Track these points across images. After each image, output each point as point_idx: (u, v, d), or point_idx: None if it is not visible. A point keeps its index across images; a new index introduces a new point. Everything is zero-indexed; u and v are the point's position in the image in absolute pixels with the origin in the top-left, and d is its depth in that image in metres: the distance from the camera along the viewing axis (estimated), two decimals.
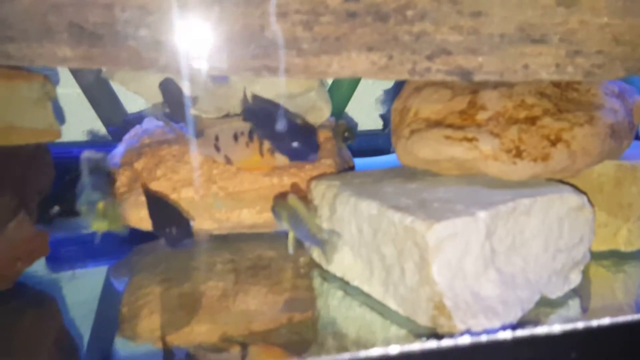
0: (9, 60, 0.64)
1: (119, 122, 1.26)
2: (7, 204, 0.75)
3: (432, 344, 0.54)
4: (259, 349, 0.69)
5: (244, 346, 0.68)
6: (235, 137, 0.89)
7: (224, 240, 1.00)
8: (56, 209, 0.98)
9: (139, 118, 1.28)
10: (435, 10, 0.61)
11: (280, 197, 0.87)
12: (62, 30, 0.63)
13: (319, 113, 1.03)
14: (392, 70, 0.64)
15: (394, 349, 0.52)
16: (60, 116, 0.85)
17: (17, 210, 0.77)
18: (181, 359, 0.68)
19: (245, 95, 0.91)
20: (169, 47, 0.65)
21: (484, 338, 0.56)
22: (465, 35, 0.62)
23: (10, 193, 0.75)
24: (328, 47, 0.64)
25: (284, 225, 0.81)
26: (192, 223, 0.85)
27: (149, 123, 1.11)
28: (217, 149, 0.88)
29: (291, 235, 0.81)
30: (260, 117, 0.86)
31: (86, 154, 0.86)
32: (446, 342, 0.54)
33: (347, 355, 0.53)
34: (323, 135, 1.02)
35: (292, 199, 0.78)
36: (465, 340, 0.55)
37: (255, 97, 0.90)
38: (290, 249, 0.82)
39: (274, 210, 0.83)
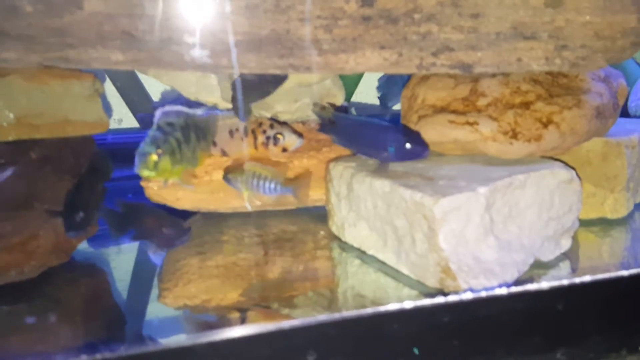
0: (68, 64, 0.74)
1: (147, 110, 1.36)
2: (66, 186, 0.85)
3: (441, 299, 0.64)
4: (257, 312, 0.77)
5: (242, 311, 0.76)
6: (231, 134, 0.98)
7: (249, 217, 1.11)
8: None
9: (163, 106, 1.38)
10: (439, 13, 0.70)
11: (231, 168, 0.98)
12: (115, 38, 0.72)
13: (334, 99, 1.12)
14: (402, 65, 0.74)
15: (409, 304, 0.63)
16: (107, 109, 0.94)
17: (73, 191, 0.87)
18: (210, 321, 0.76)
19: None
20: (206, 50, 0.74)
21: (483, 294, 0.66)
22: (465, 34, 0.71)
23: (68, 177, 0.86)
24: (345, 47, 0.73)
25: (240, 188, 0.94)
26: (182, 222, 0.91)
27: (170, 109, 1.20)
28: (214, 144, 0.98)
29: (246, 194, 0.95)
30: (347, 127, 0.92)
31: (165, 110, 0.90)
32: (452, 298, 0.64)
33: (369, 310, 0.63)
34: None
35: (250, 165, 0.91)
36: (468, 296, 0.65)
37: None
38: (248, 205, 0.95)
39: (226, 178, 0.95)
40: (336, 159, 0.95)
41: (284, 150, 0.98)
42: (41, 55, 0.72)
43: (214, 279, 0.86)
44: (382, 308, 0.63)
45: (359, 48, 0.73)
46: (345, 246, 0.93)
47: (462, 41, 0.71)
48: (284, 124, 1.04)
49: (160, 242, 0.88)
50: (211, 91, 1.06)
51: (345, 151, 1.05)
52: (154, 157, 0.82)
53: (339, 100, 1.12)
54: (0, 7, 0.70)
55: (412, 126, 0.86)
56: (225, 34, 0.73)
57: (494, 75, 0.84)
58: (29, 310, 0.82)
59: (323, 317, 0.64)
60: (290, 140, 1.00)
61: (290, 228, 1.05)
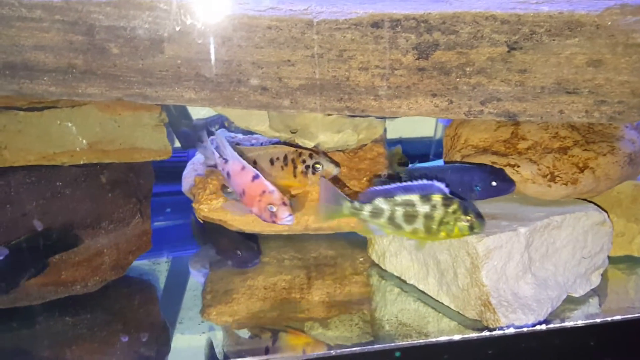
0: (145, 100, 0.80)
1: (188, 128, 1.43)
2: (132, 206, 0.92)
3: (486, 333, 0.70)
4: (288, 334, 0.81)
5: (274, 332, 0.81)
6: (272, 162, 1.03)
7: (290, 240, 1.16)
8: None
9: (203, 125, 1.46)
10: (489, 68, 0.76)
11: None
12: (190, 79, 0.79)
13: (374, 130, 1.18)
14: (451, 112, 0.80)
15: (458, 337, 0.68)
16: (170, 137, 1.01)
17: (136, 211, 0.94)
18: (250, 339, 0.82)
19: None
20: (272, 92, 0.81)
21: (523, 329, 0.72)
22: (513, 86, 0.77)
23: (135, 200, 0.93)
24: (400, 93, 0.79)
25: None
26: (255, 246, 0.95)
27: (222, 135, 1.27)
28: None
29: None
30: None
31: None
32: (497, 333, 0.70)
33: (421, 341, 0.69)
34: (377, 150, 1.18)
35: None
36: (510, 330, 0.70)
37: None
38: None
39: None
40: None
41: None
42: (122, 92, 0.79)
43: (255, 299, 0.92)
44: (434, 339, 0.68)
45: (412, 95, 0.79)
46: (384, 274, 0.98)
47: (509, 93, 0.77)
48: (322, 153, 1.10)
49: (233, 263, 0.93)
50: (261, 120, 1.12)
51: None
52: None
53: (379, 132, 1.18)
54: (90, 49, 0.77)
55: None
56: (289, 79, 0.79)
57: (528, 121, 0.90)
58: (89, 322, 0.89)
59: (377, 345, 0.70)
60: (328, 169, 1.05)
61: (329, 252, 1.10)
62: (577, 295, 0.88)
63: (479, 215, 0.75)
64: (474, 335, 0.69)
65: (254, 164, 1.04)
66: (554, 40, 0.74)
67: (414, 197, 0.74)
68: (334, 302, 0.90)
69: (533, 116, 0.78)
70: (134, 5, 0.76)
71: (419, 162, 1.23)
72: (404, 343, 0.71)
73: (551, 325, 0.74)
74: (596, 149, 0.87)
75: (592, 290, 0.90)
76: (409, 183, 0.76)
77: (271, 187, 0.81)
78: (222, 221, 1.10)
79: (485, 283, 0.78)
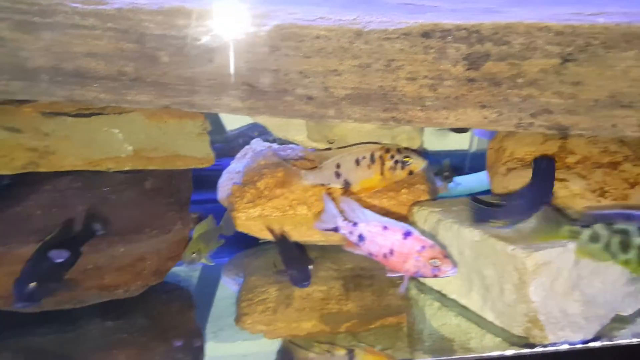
0: (192, 108, 0.81)
1: (222, 139, 1.44)
2: (174, 213, 0.93)
3: (538, 349, 0.68)
4: (365, 352, 0.80)
5: (350, 350, 0.80)
6: (357, 162, 1.02)
7: (325, 250, 1.16)
8: None
9: (237, 135, 1.47)
10: (541, 80, 0.75)
11: None
12: (237, 88, 0.79)
13: (413, 142, 1.17)
14: (500, 123, 0.78)
15: (510, 352, 0.67)
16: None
17: (177, 218, 0.95)
18: (319, 355, 0.81)
19: None
20: (317, 101, 0.81)
21: (578, 346, 0.70)
22: (565, 99, 0.75)
23: (176, 207, 0.94)
24: (447, 104, 0.79)
25: None
26: (311, 267, 0.92)
27: (257, 144, 1.28)
28: (338, 175, 1.03)
29: None
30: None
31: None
32: (549, 348, 0.68)
33: (473, 355, 0.67)
34: None
35: None
36: (564, 347, 0.69)
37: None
38: None
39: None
40: (419, 203, 1.00)
41: (410, 173, 1.01)
42: (170, 100, 0.80)
43: (290, 309, 0.91)
44: (486, 354, 0.67)
45: (460, 106, 0.78)
46: (423, 288, 0.96)
47: (561, 105, 0.76)
48: (407, 149, 1.08)
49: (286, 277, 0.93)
50: (299, 130, 1.12)
51: (423, 195, 1.10)
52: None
53: (417, 144, 1.17)
54: (140, 57, 0.78)
55: (500, 178, 0.90)
56: (335, 88, 0.79)
57: (579, 135, 0.88)
58: (129, 326, 0.90)
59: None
60: (417, 163, 1.02)
61: (364, 264, 1.09)
62: (625, 313, 0.85)
63: None
64: (526, 351, 0.68)
65: (337, 167, 1.03)
66: (609, 52, 0.73)
67: (631, 227, 0.73)
68: (369, 315, 0.89)
69: (585, 130, 0.77)
70: (185, 15, 0.77)
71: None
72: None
73: (600, 343, 0.72)
74: None
75: None
76: (630, 211, 0.75)
77: (429, 241, 0.77)
78: (257, 231, 1.11)
79: (534, 299, 0.76)
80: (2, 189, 0.96)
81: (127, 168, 0.92)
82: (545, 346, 0.73)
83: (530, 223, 0.80)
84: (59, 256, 0.78)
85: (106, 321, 0.90)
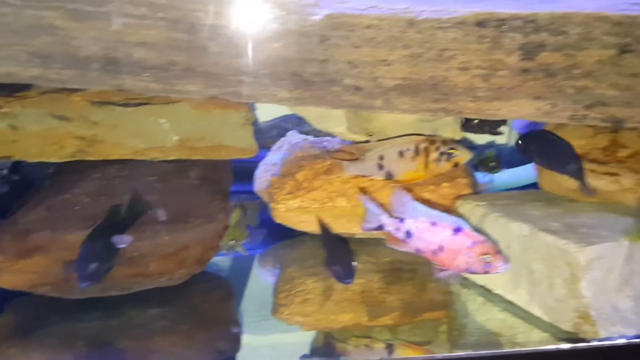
0: (239, 98, 0.81)
1: (255, 130, 1.44)
2: (218, 202, 0.93)
3: (597, 343, 0.67)
4: (404, 347, 0.80)
5: (389, 345, 0.80)
6: (401, 154, 1.00)
7: (363, 243, 1.15)
8: None
9: (271, 127, 1.46)
10: (598, 71, 0.73)
11: None
12: (285, 78, 0.79)
13: (452, 134, 1.16)
14: (554, 115, 0.77)
15: (566, 346, 0.66)
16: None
17: (220, 207, 0.95)
18: (326, 344, 0.82)
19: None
20: (365, 92, 0.80)
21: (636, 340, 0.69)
22: (621, 91, 0.74)
23: (220, 196, 0.94)
24: (500, 95, 0.77)
25: None
26: (354, 264, 0.90)
27: (293, 136, 1.28)
28: (380, 167, 1.02)
29: None
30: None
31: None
32: (607, 343, 0.67)
33: (528, 349, 0.67)
34: None
35: None
36: (620, 341, 0.68)
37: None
38: None
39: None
40: (464, 197, 0.98)
41: (456, 165, 1.00)
42: (219, 90, 0.80)
43: (327, 301, 0.91)
44: (541, 347, 0.66)
45: (513, 97, 0.77)
46: (465, 283, 0.95)
47: (616, 97, 0.74)
48: (452, 140, 1.06)
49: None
50: (339, 122, 1.12)
51: (464, 189, 1.08)
52: None
53: (459, 136, 1.16)
54: (191, 47, 0.78)
55: (549, 172, 0.89)
56: (384, 79, 0.79)
57: (633, 128, 0.86)
58: (172, 314, 0.91)
59: (474, 352, 0.68)
60: (463, 155, 1.01)
61: (403, 257, 1.08)
62: None
63: None
64: (582, 345, 0.67)
65: (380, 159, 1.02)
66: None
67: None
68: (410, 308, 0.89)
69: None
70: (235, 4, 0.77)
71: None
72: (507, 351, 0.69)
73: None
74: None
75: None
76: None
77: (480, 237, 0.75)
78: (296, 222, 1.11)
79: (585, 294, 0.74)
80: (49, 177, 0.98)
81: (172, 157, 0.93)
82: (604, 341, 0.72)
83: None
84: (122, 242, 0.79)
85: (149, 309, 0.91)
